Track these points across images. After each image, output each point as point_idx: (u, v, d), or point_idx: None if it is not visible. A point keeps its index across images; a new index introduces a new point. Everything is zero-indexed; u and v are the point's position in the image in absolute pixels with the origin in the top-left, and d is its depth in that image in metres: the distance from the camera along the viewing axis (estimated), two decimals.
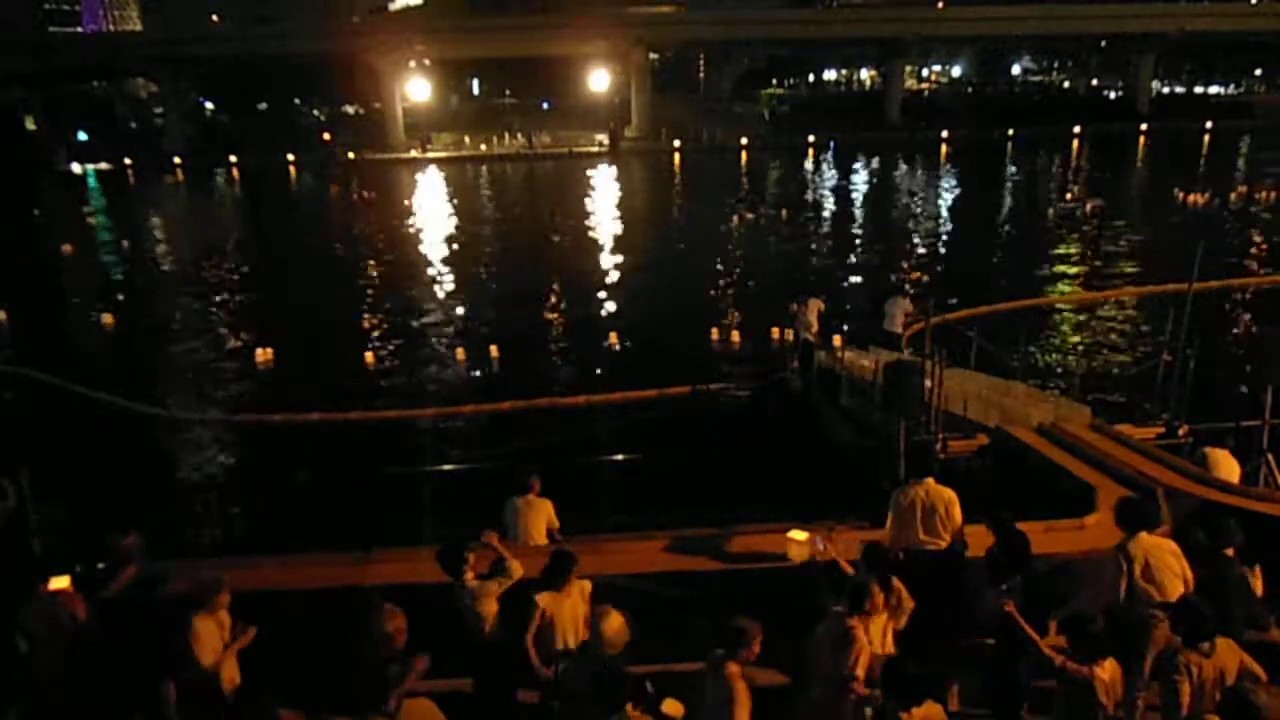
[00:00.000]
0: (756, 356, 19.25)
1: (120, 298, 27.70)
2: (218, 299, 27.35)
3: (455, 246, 35.80)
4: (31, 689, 6.08)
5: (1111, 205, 39.09)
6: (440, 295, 26.99)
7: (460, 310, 25.09)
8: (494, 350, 20.38)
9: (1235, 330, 20.54)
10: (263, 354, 20.26)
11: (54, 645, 6.12)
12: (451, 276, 29.62)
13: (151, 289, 29.85)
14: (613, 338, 21.16)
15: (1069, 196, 42.54)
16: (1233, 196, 39.75)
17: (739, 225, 37.26)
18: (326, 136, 78.03)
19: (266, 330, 23.12)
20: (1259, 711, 4.45)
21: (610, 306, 24.99)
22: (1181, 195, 40.17)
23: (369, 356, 20.42)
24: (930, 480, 6.98)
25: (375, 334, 22.70)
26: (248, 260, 34.66)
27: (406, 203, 50.40)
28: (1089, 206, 38.18)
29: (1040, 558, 6.85)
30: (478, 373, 19.40)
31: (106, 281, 30.61)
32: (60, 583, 6.34)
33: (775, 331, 19.97)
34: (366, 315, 24.47)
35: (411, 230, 39.52)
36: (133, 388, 17.69)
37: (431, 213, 45.93)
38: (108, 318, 24.18)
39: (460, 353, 20.42)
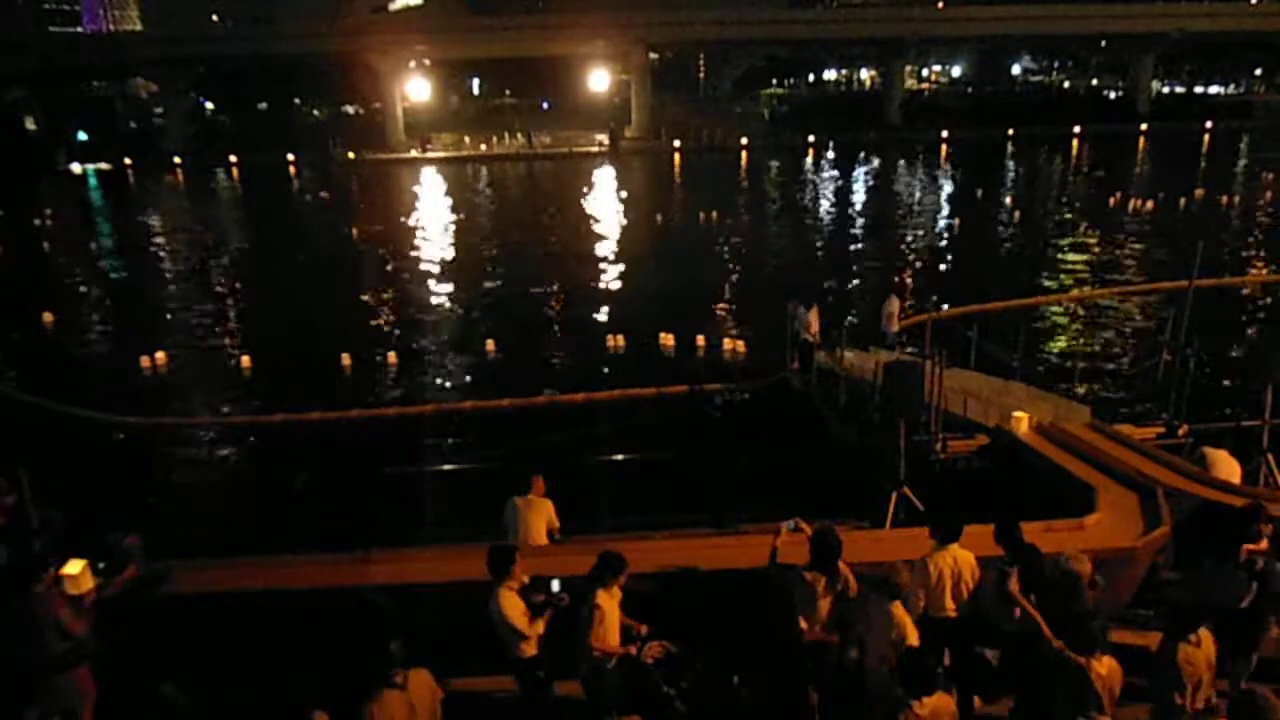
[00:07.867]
0: (755, 357, 19.23)
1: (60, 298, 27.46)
2: (208, 299, 27.34)
3: (454, 246, 35.77)
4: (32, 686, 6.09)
5: (1047, 210, 39.19)
6: (439, 294, 26.95)
7: (459, 310, 25.06)
8: (492, 348, 20.34)
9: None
10: (247, 360, 20.03)
11: (54, 643, 6.13)
12: (450, 276, 29.58)
13: (89, 292, 29.56)
14: (612, 337, 21.12)
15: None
16: (1177, 201, 38.66)
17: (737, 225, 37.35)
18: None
19: (262, 332, 23.12)
20: (1271, 714, 4.43)
21: (610, 306, 24.93)
22: (1116, 199, 39.27)
23: (367, 357, 20.39)
24: (955, 547, 6.69)
25: (374, 333, 22.65)
26: (240, 260, 34.60)
27: (405, 202, 50.35)
28: None
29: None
30: (477, 372, 19.37)
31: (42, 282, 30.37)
32: (74, 567, 6.36)
33: (733, 344, 19.96)
34: (365, 315, 24.43)
35: (410, 230, 39.46)
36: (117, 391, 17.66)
37: (431, 212, 45.84)
38: (47, 316, 23.98)
39: (459, 352, 20.39)
